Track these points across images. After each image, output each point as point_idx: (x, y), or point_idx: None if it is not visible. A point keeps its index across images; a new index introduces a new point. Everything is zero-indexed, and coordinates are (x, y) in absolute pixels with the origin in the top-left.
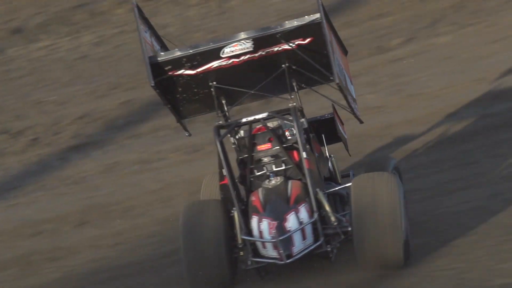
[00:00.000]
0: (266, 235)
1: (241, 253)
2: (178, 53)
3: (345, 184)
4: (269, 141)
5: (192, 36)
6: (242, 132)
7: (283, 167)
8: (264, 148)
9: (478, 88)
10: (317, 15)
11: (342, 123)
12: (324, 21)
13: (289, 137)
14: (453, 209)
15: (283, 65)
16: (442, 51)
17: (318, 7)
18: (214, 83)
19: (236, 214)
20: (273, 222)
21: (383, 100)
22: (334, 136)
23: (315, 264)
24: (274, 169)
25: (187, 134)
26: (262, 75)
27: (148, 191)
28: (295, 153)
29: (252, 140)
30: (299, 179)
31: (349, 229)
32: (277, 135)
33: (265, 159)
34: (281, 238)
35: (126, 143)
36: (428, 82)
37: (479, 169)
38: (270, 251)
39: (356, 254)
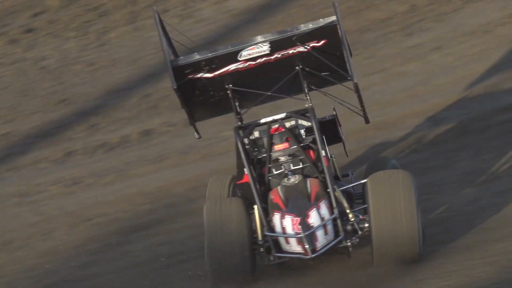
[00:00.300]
0: (290, 231)
1: (261, 249)
2: (197, 57)
3: (347, 183)
4: (286, 140)
5: (71, 68)
6: (256, 133)
7: (301, 166)
8: (281, 148)
9: (357, 119)
10: (333, 18)
11: (340, 125)
12: (340, 23)
13: (305, 137)
14: None
15: (296, 67)
16: None
17: (334, 9)
18: (230, 85)
19: (256, 212)
20: (296, 218)
21: None
22: (333, 138)
23: (322, 258)
24: (292, 167)
25: (197, 137)
26: (275, 77)
27: (28, 224)
28: (310, 152)
29: (269, 140)
30: (315, 177)
31: (366, 225)
32: (294, 135)
33: (282, 158)
34: (307, 233)
35: (5, 175)
36: None
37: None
38: (294, 247)
39: (373, 249)
